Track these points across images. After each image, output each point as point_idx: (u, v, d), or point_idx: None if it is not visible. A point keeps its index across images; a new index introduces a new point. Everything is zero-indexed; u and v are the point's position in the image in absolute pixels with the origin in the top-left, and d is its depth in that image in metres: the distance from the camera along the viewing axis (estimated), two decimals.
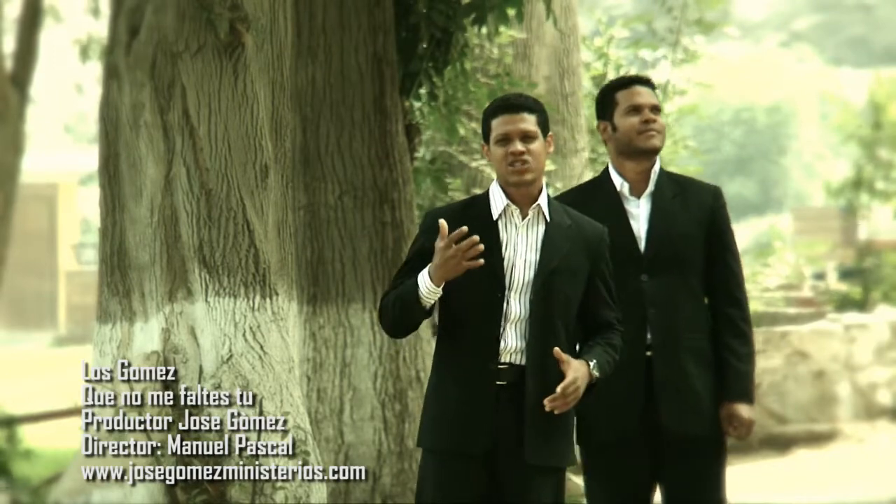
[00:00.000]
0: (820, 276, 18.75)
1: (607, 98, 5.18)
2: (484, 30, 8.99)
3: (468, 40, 9.10)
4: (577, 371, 4.56)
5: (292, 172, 7.11)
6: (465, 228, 4.48)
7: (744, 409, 5.04)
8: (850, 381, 12.29)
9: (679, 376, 4.99)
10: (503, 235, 4.68)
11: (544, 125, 4.72)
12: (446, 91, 9.12)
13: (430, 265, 4.55)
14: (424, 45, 8.61)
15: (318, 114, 8.13)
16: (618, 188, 5.10)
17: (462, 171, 12.04)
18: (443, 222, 4.52)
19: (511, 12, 8.63)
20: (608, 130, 5.16)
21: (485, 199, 4.74)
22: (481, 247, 4.49)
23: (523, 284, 4.64)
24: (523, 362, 4.63)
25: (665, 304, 5.01)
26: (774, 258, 16.58)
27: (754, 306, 14.61)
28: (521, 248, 4.68)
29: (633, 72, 13.06)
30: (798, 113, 46.13)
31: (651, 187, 5.10)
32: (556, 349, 4.55)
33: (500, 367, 4.61)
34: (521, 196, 4.70)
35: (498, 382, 4.61)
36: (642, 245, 5.04)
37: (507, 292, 4.63)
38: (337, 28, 8.14)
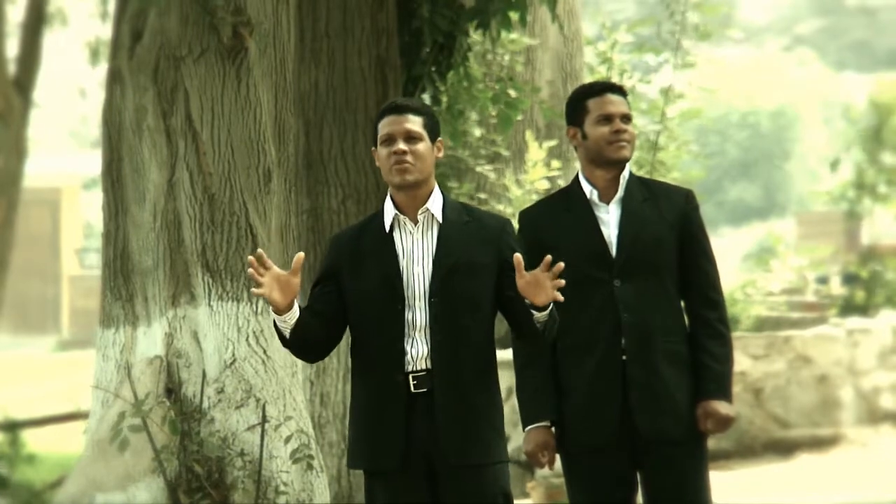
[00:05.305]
0: (823, 281, 18.69)
1: (578, 105, 5.13)
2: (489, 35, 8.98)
3: (471, 45, 9.09)
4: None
5: (295, 177, 7.11)
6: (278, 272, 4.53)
7: (721, 406, 4.97)
8: (853, 386, 12.27)
9: (655, 380, 4.95)
10: (399, 246, 4.66)
11: (432, 129, 4.69)
12: (449, 95, 9.11)
13: None
14: (427, 50, 8.61)
15: (321, 118, 8.13)
16: (587, 195, 5.08)
17: (469, 175, 12.04)
18: (251, 258, 4.55)
19: (514, 17, 8.62)
20: (578, 137, 5.12)
21: (382, 212, 4.73)
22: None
23: (423, 291, 4.62)
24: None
25: (638, 308, 4.97)
26: (778, 262, 16.56)
27: (757, 311, 14.58)
28: (418, 255, 4.65)
29: (636, 76, 13.07)
30: (802, 117, 46.11)
31: (620, 193, 5.07)
32: (517, 255, 4.45)
33: (414, 375, 4.59)
34: (409, 201, 4.67)
35: (414, 391, 4.59)
36: (613, 250, 5.01)
37: (407, 302, 4.60)
38: (340, 32, 8.14)
